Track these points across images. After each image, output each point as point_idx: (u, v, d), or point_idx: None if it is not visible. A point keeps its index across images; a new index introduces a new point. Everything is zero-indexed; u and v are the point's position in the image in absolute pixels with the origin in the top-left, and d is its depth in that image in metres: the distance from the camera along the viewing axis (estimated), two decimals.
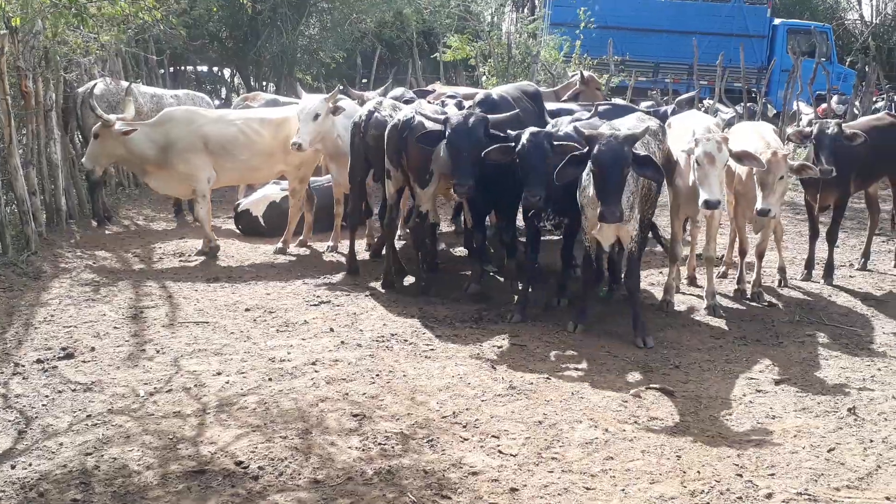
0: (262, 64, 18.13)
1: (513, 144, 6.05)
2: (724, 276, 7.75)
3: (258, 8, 15.72)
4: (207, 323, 6.16)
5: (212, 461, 4.05)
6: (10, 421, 4.46)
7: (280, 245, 8.42)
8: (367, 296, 6.96)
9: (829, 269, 7.72)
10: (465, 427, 4.50)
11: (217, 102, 16.39)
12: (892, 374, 5.42)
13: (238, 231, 9.33)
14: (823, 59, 17.83)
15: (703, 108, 13.56)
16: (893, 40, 26.26)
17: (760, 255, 7.10)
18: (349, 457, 4.12)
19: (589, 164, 5.48)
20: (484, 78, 15.79)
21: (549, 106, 8.53)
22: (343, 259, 7.97)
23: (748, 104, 16.25)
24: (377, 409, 4.69)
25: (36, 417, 4.51)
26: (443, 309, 6.65)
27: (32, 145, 8.80)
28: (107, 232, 9.22)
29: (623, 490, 3.87)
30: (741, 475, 4.00)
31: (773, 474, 4.03)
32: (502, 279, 7.64)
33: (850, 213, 9.75)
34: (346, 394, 4.88)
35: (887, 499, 3.82)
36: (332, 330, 6.06)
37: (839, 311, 6.84)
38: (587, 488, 3.88)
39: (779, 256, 7.73)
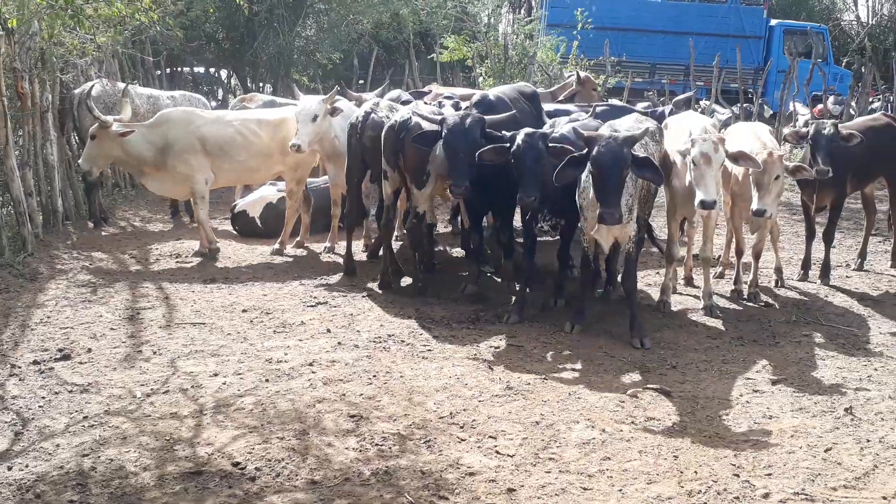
0: (258, 65, 18.12)
1: (507, 145, 6.05)
2: (720, 276, 7.76)
3: (255, 9, 15.73)
4: (204, 324, 6.16)
5: (209, 462, 4.05)
6: (6, 422, 4.45)
7: (277, 246, 8.41)
8: (364, 297, 6.96)
9: (826, 269, 7.73)
10: (462, 428, 4.50)
11: (214, 103, 16.38)
12: (889, 374, 5.43)
13: (235, 232, 9.33)
14: (820, 60, 17.89)
15: (699, 109, 13.58)
16: (889, 41, 26.32)
17: (757, 256, 7.11)
18: (346, 457, 4.12)
19: (588, 165, 5.48)
20: (481, 79, 15.79)
21: (547, 107, 8.54)
22: (340, 260, 7.96)
23: (745, 105, 16.27)
24: (374, 409, 4.69)
25: (32, 419, 4.50)
26: (440, 310, 6.65)
27: (29, 146, 8.79)
28: (103, 233, 9.21)
29: (620, 490, 3.87)
30: (738, 475, 4.01)
31: (770, 474, 4.03)
32: (499, 280, 7.64)
33: (847, 214, 9.77)
34: (344, 395, 4.88)
35: (884, 498, 3.83)
36: (329, 331, 6.06)
37: (836, 312, 6.85)
38: (584, 488, 3.89)
39: (775, 257, 7.74)
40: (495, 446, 4.28)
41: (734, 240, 7.32)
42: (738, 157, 6.08)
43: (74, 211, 9.60)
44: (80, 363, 5.33)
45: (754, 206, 6.31)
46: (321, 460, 4.09)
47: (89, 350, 5.56)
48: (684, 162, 6.15)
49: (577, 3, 17.40)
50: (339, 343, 5.79)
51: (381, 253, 7.55)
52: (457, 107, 7.52)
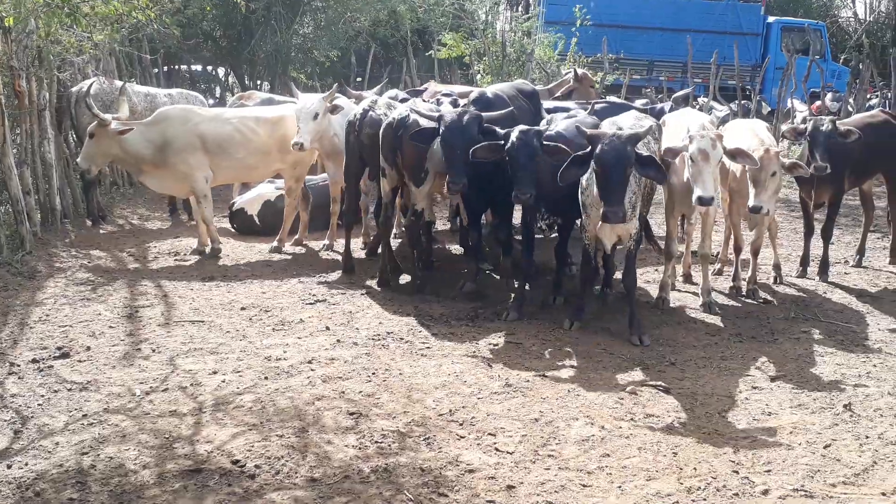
0: (256, 63, 18.10)
1: (502, 142, 6.04)
2: (719, 273, 7.76)
3: (252, 7, 15.69)
4: (203, 322, 6.16)
5: (208, 460, 4.05)
6: (5, 420, 4.45)
7: (275, 244, 8.41)
8: (363, 294, 6.96)
9: (824, 265, 7.74)
10: (461, 425, 4.50)
11: (211, 101, 16.36)
12: (888, 371, 5.43)
13: (233, 230, 9.32)
14: (817, 57, 17.88)
15: (697, 106, 13.58)
16: (887, 38, 26.33)
17: (755, 252, 7.12)
18: (346, 455, 4.12)
19: (592, 163, 5.47)
20: (479, 76, 15.78)
21: (546, 104, 8.53)
22: (339, 258, 7.96)
23: (742, 102, 16.29)
24: (373, 407, 4.69)
25: (32, 417, 4.50)
26: (439, 307, 6.65)
27: (26, 145, 8.79)
28: (101, 231, 9.21)
29: (620, 487, 3.88)
30: (737, 472, 4.01)
31: (769, 471, 4.03)
32: (498, 277, 7.65)
33: (845, 210, 9.78)
34: (343, 392, 4.88)
35: (883, 494, 3.83)
36: (328, 328, 6.06)
37: (834, 308, 6.85)
38: (584, 485, 3.89)
39: (774, 253, 7.74)
40: (495, 443, 4.29)
41: (733, 236, 7.32)
42: (735, 155, 6.08)
43: (73, 209, 9.61)
44: (79, 361, 5.33)
45: (751, 202, 6.31)
46: (321, 458, 4.09)
47: (88, 348, 5.55)
48: (682, 159, 6.15)
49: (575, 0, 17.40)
50: (338, 341, 5.79)
51: (379, 251, 7.55)
52: (455, 104, 7.52)
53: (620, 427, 4.51)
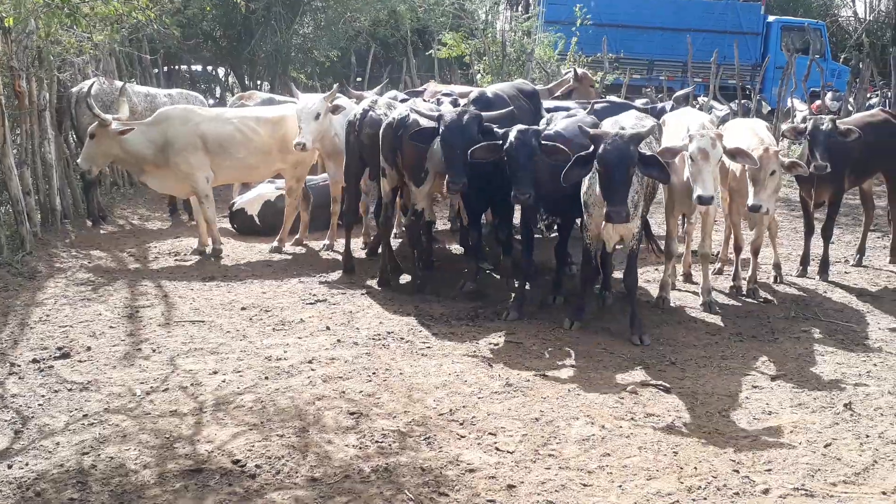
0: (256, 63, 18.11)
1: (500, 142, 6.04)
2: (719, 272, 7.76)
3: (252, 7, 15.70)
4: (203, 322, 6.16)
5: (209, 460, 4.05)
6: (6, 421, 4.45)
7: (276, 244, 8.41)
8: (363, 294, 6.96)
9: (825, 265, 7.74)
10: (461, 424, 4.50)
11: (211, 101, 16.36)
12: (888, 370, 5.43)
13: (233, 230, 9.32)
14: (817, 56, 17.88)
15: (697, 106, 13.58)
16: (887, 37, 26.33)
17: (755, 252, 7.12)
18: (346, 455, 4.12)
19: (595, 163, 5.47)
20: (479, 76, 15.77)
21: (547, 104, 8.54)
22: (339, 258, 7.96)
23: (742, 101, 16.28)
24: (374, 406, 4.69)
25: (32, 417, 4.50)
26: (439, 307, 6.65)
27: (26, 145, 8.79)
28: (102, 231, 9.21)
29: (620, 486, 3.88)
30: (738, 471, 4.01)
31: (769, 470, 4.03)
32: (498, 277, 7.65)
33: (845, 210, 9.78)
34: (343, 392, 4.88)
35: (883, 493, 3.83)
36: (328, 328, 6.06)
37: (835, 307, 6.85)
38: (584, 485, 3.89)
39: (774, 253, 7.74)
40: (495, 443, 4.29)
41: (733, 236, 7.32)
42: (735, 154, 6.07)
43: (73, 209, 9.61)
44: (80, 361, 5.33)
45: (750, 201, 6.31)
46: (321, 457, 4.09)
47: (89, 348, 5.55)
48: (682, 158, 6.15)
49: None
50: (339, 340, 5.79)
51: (380, 250, 7.55)
52: (455, 104, 7.52)
53: (621, 426, 4.51)
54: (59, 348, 5.51)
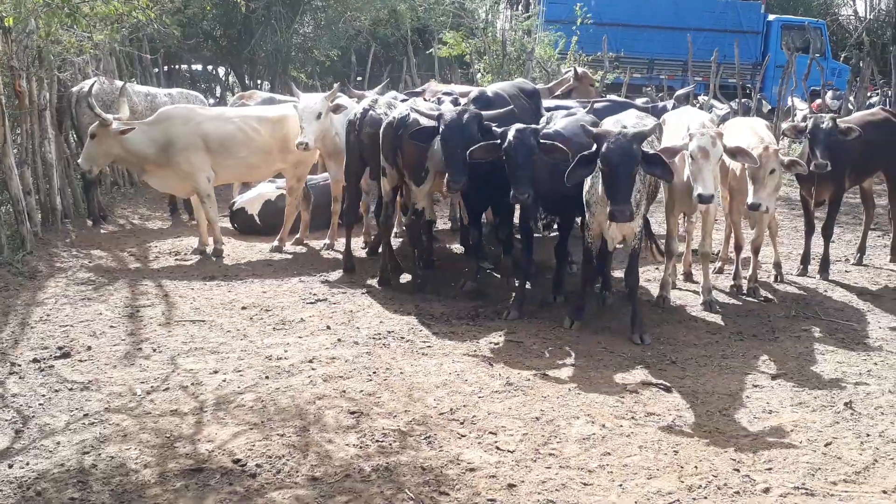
0: (256, 62, 18.10)
1: (498, 142, 6.03)
2: (720, 271, 7.76)
3: (252, 6, 15.69)
4: (204, 321, 6.16)
5: (209, 459, 4.05)
6: (7, 420, 4.45)
7: (276, 243, 8.41)
8: (363, 293, 6.96)
9: (825, 264, 7.74)
10: (462, 424, 4.50)
11: (212, 101, 16.38)
12: (889, 369, 5.43)
13: (234, 229, 9.32)
14: (818, 55, 17.87)
15: (697, 105, 13.57)
16: (887, 36, 26.32)
17: (756, 251, 7.12)
18: (347, 454, 4.12)
19: (598, 162, 5.46)
20: (479, 75, 15.77)
21: (548, 103, 8.54)
22: (340, 257, 7.96)
23: (743, 100, 16.27)
24: (374, 406, 4.69)
25: (33, 416, 4.51)
26: (439, 306, 6.65)
27: (27, 145, 8.79)
28: (102, 231, 9.21)
29: (621, 485, 3.88)
30: (738, 470, 4.01)
31: (770, 469, 4.03)
32: (498, 276, 7.65)
33: (846, 208, 9.78)
34: (344, 391, 4.88)
35: (884, 492, 3.83)
36: (328, 328, 6.06)
37: (835, 306, 6.85)
38: (585, 484, 3.89)
39: (774, 252, 7.74)
40: (495, 442, 4.29)
41: (733, 235, 7.32)
42: (735, 153, 6.07)
43: (73, 209, 9.61)
44: (80, 361, 5.33)
45: (750, 199, 6.31)
46: (322, 457, 4.09)
47: (89, 348, 5.56)
48: (682, 157, 6.14)
49: None
50: (339, 340, 5.79)
51: (380, 250, 7.55)
52: (456, 103, 7.52)
53: (621, 425, 4.51)
54: (60, 348, 5.51)
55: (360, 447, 4.20)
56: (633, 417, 4.62)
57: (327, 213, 8.69)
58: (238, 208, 9.34)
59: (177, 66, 19.00)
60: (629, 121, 6.29)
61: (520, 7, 22.17)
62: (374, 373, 5.17)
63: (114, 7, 8.62)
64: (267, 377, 5.08)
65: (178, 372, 5.16)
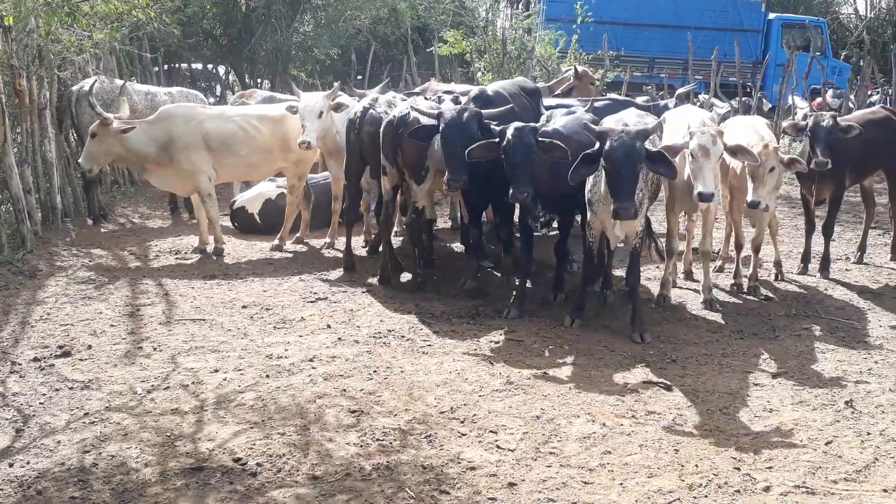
0: (256, 61, 18.10)
1: (497, 140, 6.01)
2: (720, 270, 7.76)
3: (252, 5, 15.69)
4: (204, 320, 6.16)
5: (210, 458, 4.05)
6: (7, 419, 4.45)
7: (276, 242, 8.41)
8: (364, 292, 6.96)
9: (826, 262, 7.74)
10: (462, 422, 4.50)
11: (212, 100, 16.37)
12: (889, 367, 5.43)
13: (234, 228, 9.32)
14: (818, 54, 17.89)
15: (697, 103, 13.56)
16: (888, 34, 26.30)
17: (756, 249, 7.11)
18: (347, 453, 4.12)
19: (601, 160, 5.46)
20: (479, 74, 15.76)
21: (549, 101, 8.53)
22: (340, 256, 7.95)
23: (743, 99, 16.27)
24: (375, 405, 4.69)
25: (34, 415, 4.51)
26: (439, 305, 6.65)
27: (27, 144, 8.79)
28: (102, 230, 9.21)
29: (621, 484, 3.88)
30: (739, 468, 4.01)
31: (770, 467, 4.03)
32: (499, 275, 7.64)
33: (846, 207, 9.77)
34: (344, 390, 4.88)
35: (885, 491, 3.83)
36: (329, 326, 6.06)
37: (836, 305, 6.85)
38: (585, 482, 3.89)
39: (774, 250, 7.74)
40: (496, 441, 4.29)
41: (733, 233, 7.32)
42: (736, 151, 6.07)
43: (73, 208, 9.61)
44: (81, 360, 5.33)
45: (749, 197, 6.31)
46: (322, 455, 4.09)
47: (89, 347, 5.56)
48: (683, 155, 6.14)
49: None
50: (340, 339, 5.79)
51: (380, 248, 7.55)
52: (456, 101, 7.51)
53: (622, 424, 4.51)
54: (60, 347, 5.51)
55: (361, 446, 4.20)
56: (633, 416, 4.62)
57: (328, 211, 8.69)
58: (238, 207, 9.34)
59: (177, 65, 18.99)
60: (630, 119, 6.28)
61: (520, 5, 22.15)
62: (375, 371, 5.17)
63: (114, 6, 8.63)
64: (267, 376, 5.08)
65: (179, 371, 5.16)
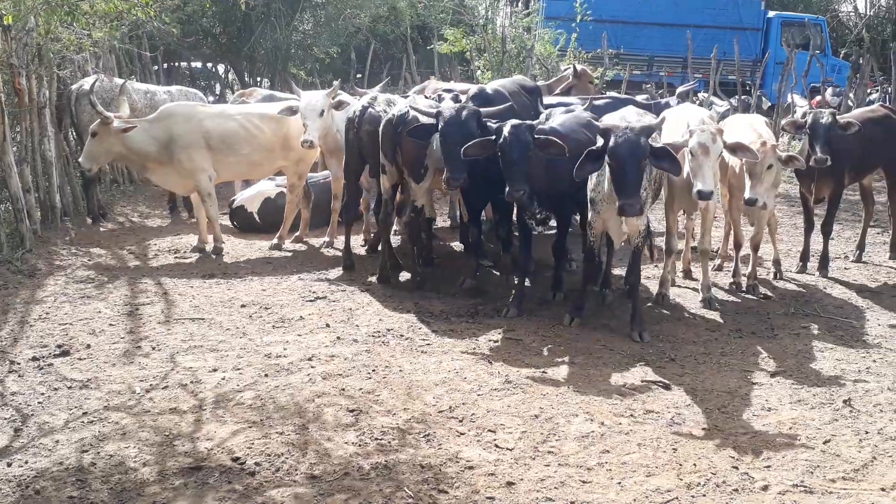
0: (255, 60, 18.09)
1: (494, 138, 6.01)
2: (719, 268, 7.76)
3: (251, 3, 15.69)
4: (203, 319, 6.16)
5: (208, 457, 4.05)
6: (6, 419, 4.45)
7: (275, 241, 8.41)
8: (363, 291, 6.96)
9: (824, 261, 7.74)
10: (461, 421, 4.50)
11: (211, 98, 16.37)
12: (888, 366, 5.44)
13: (233, 227, 9.32)
14: (818, 52, 17.85)
15: (697, 102, 13.57)
16: (887, 32, 26.30)
17: (755, 248, 7.12)
18: (346, 452, 4.13)
19: (606, 157, 5.45)
20: (479, 73, 15.76)
21: (549, 100, 8.53)
22: (339, 255, 7.95)
23: (743, 97, 16.26)
24: (373, 404, 4.69)
25: (32, 415, 4.51)
26: (438, 304, 6.66)
27: (26, 142, 8.78)
28: (102, 229, 9.21)
29: (619, 483, 3.88)
30: (737, 467, 4.02)
31: (768, 466, 4.04)
32: (498, 274, 7.64)
33: (845, 205, 9.77)
34: (343, 389, 4.88)
35: (882, 490, 3.84)
36: (328, 325, 6.06)
37: (834, 303, 6.86)
38: (583, 482, 3.89)
39: (773, 249, 7.74)
40: (494, 440, 4.29)
41: (732, 232, 7.32)
42: (735, 149, 6.07)
43: (73, 207, 9.60)
44: (80, 359, 5.33)
45: (747, 194, 6.32)
46: (321, 454, 4.09)
47: (88, 346, 5.56)
48: (682, 154, 6.14)
49: None
50: (338, 338, 5.79)
51: (379, 247, 7.55)
52: (456, 100, 7.51)
53: (620, 423, 4.51)
54: (59, 346, 5.51)
55: (359, 445, 4.20)
56: (632, 415, 4.62)
57: (327, 210, 8.69)
58: (237, 206, 9.34)
59: (176, 64, 18.98)
60: (630, 117, 6.28)
61: (520, 4, 22.14)
62: (374, 371, 5.17)
63: (113, 4, 8.61)
64: (266, 375, 5.08)
65: (178, 370, 5.17)
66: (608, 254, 6.84)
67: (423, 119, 6.49)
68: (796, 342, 5.89)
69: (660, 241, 7.71)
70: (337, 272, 7.53)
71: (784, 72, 15.51)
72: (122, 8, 8.89)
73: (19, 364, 5.21)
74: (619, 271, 7.37)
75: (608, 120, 6.15)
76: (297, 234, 8.73)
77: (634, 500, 3.74)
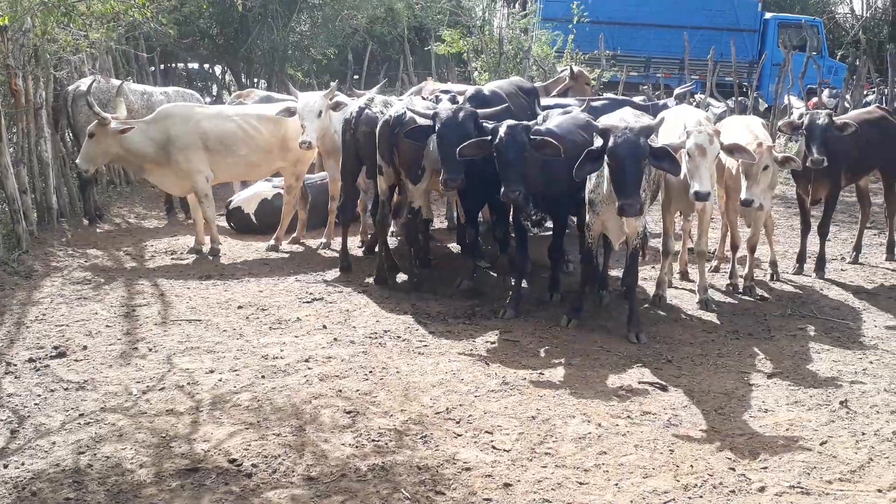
0: (252, 61, 18.11)
1: (489, 139, 6.00)
2: (716, 270, 7.76)
3: (248, 5, 15.69)
4: (200, 321, 6.15)
5: (205, 459, 4.04)
6: (2, 420, 4.44)
7: (272, 242, 8.41)
8: (360, 293, 6.96)
9: (821, 262, 7.74)
10: (458, 423, 4.50)
11: (208, 99, 16.35)
12: (884, 367, 5.44)
13: (230, 228, 9.31)
14: (814, 53, 17.90)
15: (694, 103, 13.58)
16: (884, 34, 26.35)
17: (752, 249, 7.12)
18: (343, 453, 4.12)
19: (605, 157, 5.45)
20: (476, 74, 15.77)
21: (546, 101, 8.53)
22: (337, 256, 7.95)
23: (739, 98, 16.29)
24: (370, 405, 4.69)
25: (28, 416, 4.50)
26: (436, 305, 6.65)
27: (23, 143, 8.77)
28: (98, 230, 9.19)
29: (616, 484, 3.88)
30: (734, 469, 4.02)
31: (765, 468, 4.04)
32: (495, 275, 7.64)
33: (842, 207, 9.79)
34: (340, 390, 4.88)
35: (879, 491, 3.84)
36: (325, 327, 6.05)
37: (831, 305, 6.86)
38: (580, 483, 3.89)
39: (770, 250, 7.75)
40: (491, 441, 4.29)
41: (729, 233, 7.33)
42: (733, 150, 6.08)
43: (69, 208, 9.58)
44: (76, 360, 5.32)
45: (743, 195, 6.32)
46: (318, 456, 4.09)
47: (85, 347, 5.55)
48: (679, 155, 6.14)
49: None
50: (335, 339, 5.79)
51: (377, 249, 7.54)
52: (454, 101, 7.51)
53: (617, 424, 4.51)
54: (56, 347, 5.50)
55: (357, 447, 4.20)
56: (629, 416, 4.63)
57: (324, 211, 8.69)
58: (234, 207, 9.33)
59: (173, 65, 18.99)
60: (628, 118, 6.29)
61: (517, 5, 22.17)
62: (371, 372, 5.17)
63: (110, 5, 8.62)
64: (263, 376, 5.08)
65: (174, 371, 5.16)
66: (605, 255, 6.84)
67: (420, 120, 6.49)
68: (793, 344, 5.89)
69: (656, 243, 7.72)
70: (334, 273, 7.52)
71: (781, 73, 15.54)
72: (119, 9, 8.90)
73: (15, 365, 5.20)
74: (615, 273, 7.37)
75: (606, 121, 6.15)
76: (294, 235, 8.72)
77: (631, 502, 3.74)
